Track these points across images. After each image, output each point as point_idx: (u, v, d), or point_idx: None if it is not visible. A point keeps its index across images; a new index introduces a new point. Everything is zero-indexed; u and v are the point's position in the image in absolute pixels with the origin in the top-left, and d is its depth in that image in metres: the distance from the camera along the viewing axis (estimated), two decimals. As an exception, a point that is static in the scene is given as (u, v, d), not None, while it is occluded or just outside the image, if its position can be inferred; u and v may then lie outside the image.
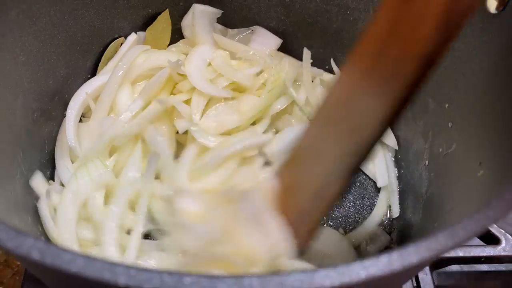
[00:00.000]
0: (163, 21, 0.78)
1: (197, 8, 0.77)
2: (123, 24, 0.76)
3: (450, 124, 0.62)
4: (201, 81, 0.72)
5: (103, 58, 0.76)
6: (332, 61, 0.81)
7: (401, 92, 0.40)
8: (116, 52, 0.77)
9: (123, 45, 0.76)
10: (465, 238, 0.31)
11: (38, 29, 0.63)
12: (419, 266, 0.52)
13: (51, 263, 0.29)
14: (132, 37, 0.77)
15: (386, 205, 0.74)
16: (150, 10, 0.78)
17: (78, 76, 0.74)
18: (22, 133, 0.65)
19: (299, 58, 0.79)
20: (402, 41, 0.39)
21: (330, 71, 0.82)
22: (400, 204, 0.74)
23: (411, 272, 0.55)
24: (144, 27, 0.79)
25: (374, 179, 0.76)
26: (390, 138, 0.78)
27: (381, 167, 0.76)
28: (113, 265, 0.29)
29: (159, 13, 0.78)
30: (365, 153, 0.45)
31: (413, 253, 0.30)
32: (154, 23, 0.78)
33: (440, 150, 0.64)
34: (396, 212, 0.73)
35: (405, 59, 0.39)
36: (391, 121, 0.42)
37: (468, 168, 0.54)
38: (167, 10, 0.78)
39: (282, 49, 0.81)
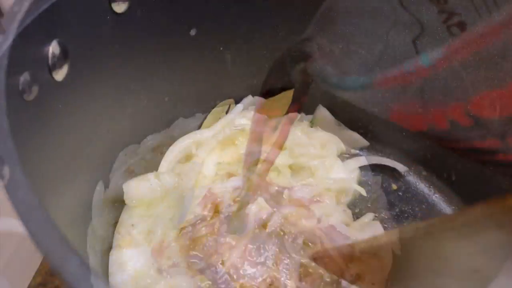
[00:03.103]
0: (285, 98, 0.76)
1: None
2: (227, 91, 0.75)
3: None
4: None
5: (209, 116, 0.75)
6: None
7: None
8: (222, 113, 0.76)
9: (238, 104, 0.76)
10: None
11: (151, 84, 0.63)
12: None
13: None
14: (248, 99, 0.77)
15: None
16: (255, 81, 0.76)
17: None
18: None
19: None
20: None
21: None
22: None
23: None
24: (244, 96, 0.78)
25: None
26: None
27: None
28: None
29: (268, 86, 0.77)
30: None
31: None
32: (277, 96, 0.77)
33: None
34: None
35: None
36: None
37: None
38: (292, 90, 0.77)
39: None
